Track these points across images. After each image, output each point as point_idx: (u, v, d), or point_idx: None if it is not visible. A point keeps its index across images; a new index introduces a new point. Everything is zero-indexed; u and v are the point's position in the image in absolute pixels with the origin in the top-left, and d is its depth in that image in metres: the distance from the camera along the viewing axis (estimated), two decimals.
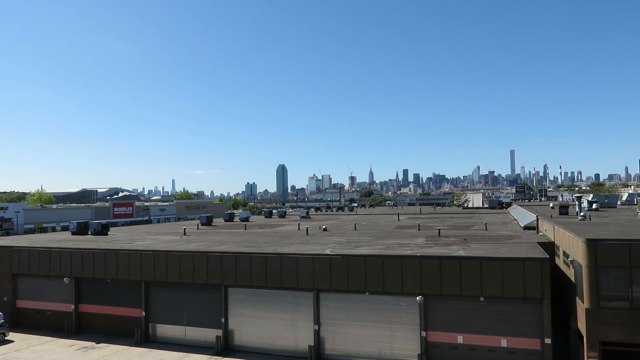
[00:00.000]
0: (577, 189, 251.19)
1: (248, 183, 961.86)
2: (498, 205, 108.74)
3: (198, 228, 59.00)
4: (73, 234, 51.90)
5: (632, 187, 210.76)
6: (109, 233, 51.99)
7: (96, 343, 34.01)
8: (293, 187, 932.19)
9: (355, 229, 51.14)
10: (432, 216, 76.61)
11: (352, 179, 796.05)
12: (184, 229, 53.74)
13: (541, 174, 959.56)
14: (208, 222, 66.10)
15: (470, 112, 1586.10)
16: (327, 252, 31.70)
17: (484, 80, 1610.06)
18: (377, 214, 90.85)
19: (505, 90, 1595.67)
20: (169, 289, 34.30)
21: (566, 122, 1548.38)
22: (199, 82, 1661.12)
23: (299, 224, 56.96)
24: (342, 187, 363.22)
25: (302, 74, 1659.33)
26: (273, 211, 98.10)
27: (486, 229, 45.91)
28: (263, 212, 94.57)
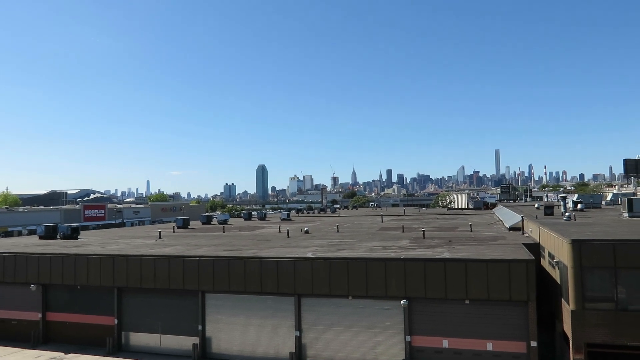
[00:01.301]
0: (562, 189, 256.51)
1: (227, 184, 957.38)
2: (483, 206, 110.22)
3: (174, 231, 58.55)
4: (41, 238, 50.93)
5: (616, 187, 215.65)
6: (79, 237, 51.14)
7: (65, 354, 33.31)
8: (273, 188, 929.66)
9: (338, 231, 51.27)
10: (416, 217, 77.31)
11: (335, 179, 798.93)
12: (159, 232, 53.16)
13: (526, 174, 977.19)
14: (184, 225, 65.77)
15: (454, 111, 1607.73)
16: (309, 255, 31.68)
17: (468, 78, 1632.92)
18: (360, 216, 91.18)
19: (489, 88, 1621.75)
20: (143, 295, 33.84)
21: (551, 121, 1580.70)
22: (175, 80, 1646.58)
23: (279, 226, 56.82)
24: (324, 188, 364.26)
25: (283, 72, 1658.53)
26: (253, 213, 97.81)
27: (471, 230, 46.42)
28: (242, 215, 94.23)
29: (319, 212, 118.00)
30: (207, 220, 75.77)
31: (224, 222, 75.47)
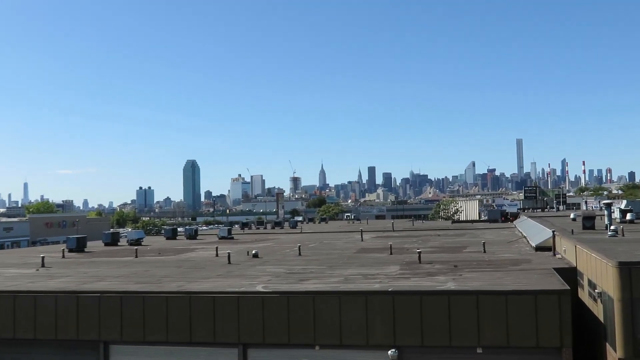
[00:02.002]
0: (606, 192, 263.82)
1: (141, 188, 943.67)
2: (501, 216, 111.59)
3: (64, 256, 57.30)
4: None
5: None
6: None
7: None
8: (209, 194, 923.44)
9: (300, 253, 51.14)
10: (409, 234, 77.78)
11: (296, 181, 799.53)
12: (42, 257, 51.51)
13: (558, 172, 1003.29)
14: (79, 246, 64.75)
15: (461, 93, 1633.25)
16: (259, 288, 31.46)
17: (478, 52, 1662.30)
18: (331, 232, 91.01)
19: (508, 65, 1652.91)
20: (19, 349, 32.83)
21: (592, 102, 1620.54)
22: (64, 49, 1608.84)
23: (217, 247, 56.26)
24: (280, 193, 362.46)
25: (220, 38, 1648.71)
26: (179, 229, 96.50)
27: (484, 251, 46.94)
28: (163, 231, 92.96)
29: (273, 227, 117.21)
30: (113, 240, 74.62)
31: (137, 242, 74.27)
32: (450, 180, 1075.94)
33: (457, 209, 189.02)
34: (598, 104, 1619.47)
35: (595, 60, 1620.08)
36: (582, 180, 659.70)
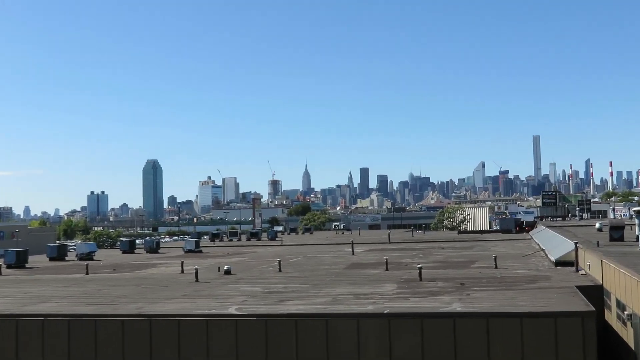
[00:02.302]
0: (636, 198, 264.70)
1: (92, 193, 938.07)
2: (515, 226, 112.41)
3: (1, 273, 57.12)
4: None
5: None
6: None
7: None
8: (173, 200, 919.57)
9: (280, 269, 51.13)
10: (408, 246, 77.91)
11: (275, 184, 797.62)
12: None
13: (581, 174, 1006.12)
14: (19, 261, 64.49)
15: (468, 84, 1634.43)
16: (232, 310, 31.43)
17: (488, 38, 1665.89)
18: (317, 244, 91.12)
19: (521, 54, 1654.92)
20: None
21: (618, 98, 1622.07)
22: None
23: (182, 262, 55.99)
24: (257, 198, 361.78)
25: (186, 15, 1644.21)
26: (137, 241, 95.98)
27: (496, 267, 47.28)
28: (119, 244, 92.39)
29: (249, 239, 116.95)
30: (59, 254, 74.40)
31: (88, 256, 73.95)
32: (456, 183, 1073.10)
33: (464, 217, 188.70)
34: (627, 96, 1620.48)
35: (623, 47, 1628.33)
36: (609, 184, 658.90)
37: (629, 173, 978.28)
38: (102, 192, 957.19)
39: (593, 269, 38.93)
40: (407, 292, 35.68)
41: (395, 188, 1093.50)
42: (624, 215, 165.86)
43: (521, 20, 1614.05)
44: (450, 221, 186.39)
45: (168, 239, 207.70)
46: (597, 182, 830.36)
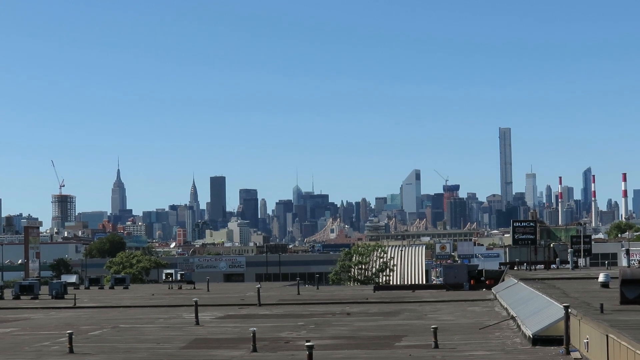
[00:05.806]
0: None
1: None
2: (469, 278, 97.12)
3: None
4: None
5: None
6: None
7: None
8: None
9: (72, 350, 39.74)
10: (290, 310, 66.70)
11: (65, 203, 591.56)
12: None
13: (577, 194, 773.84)
14: None
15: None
16: None
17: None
18: (137, 306, 76.66)
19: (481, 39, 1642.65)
20: None
21: (616, 97, 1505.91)
22: None
23: None
24: (33, 226, 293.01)
25: None
26: None
27: (436, 346, 38.20)
28: None
29: (17, 296, 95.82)
30: None
31: None
32: (373, 205, 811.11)
33: (386, 262, 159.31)
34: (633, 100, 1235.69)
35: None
36: (622, 210, 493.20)
37: None
38: None
39: (593, 350, 31.17)
40: None
41: (270, 212, 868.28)
42: None
43: None
44: (361, 269, 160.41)
45: None
46: (602, 207, 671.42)
